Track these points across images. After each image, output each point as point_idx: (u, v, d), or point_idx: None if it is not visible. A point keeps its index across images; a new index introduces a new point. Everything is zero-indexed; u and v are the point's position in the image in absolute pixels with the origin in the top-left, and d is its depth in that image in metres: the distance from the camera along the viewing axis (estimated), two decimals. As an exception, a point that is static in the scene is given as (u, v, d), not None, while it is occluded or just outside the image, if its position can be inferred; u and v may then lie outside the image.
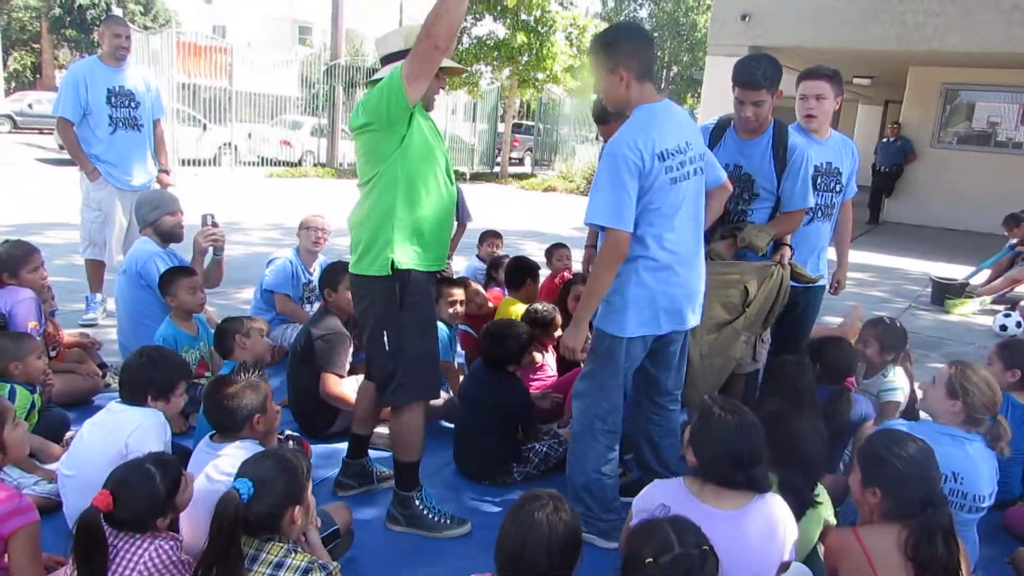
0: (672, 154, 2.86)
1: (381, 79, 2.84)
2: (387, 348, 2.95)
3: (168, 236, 4.46)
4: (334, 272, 4.11)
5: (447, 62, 2.90)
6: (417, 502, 3.13)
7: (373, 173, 2.89)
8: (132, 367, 2.88)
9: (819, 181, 3.84)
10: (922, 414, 3.79)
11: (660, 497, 2.29)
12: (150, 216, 4.45)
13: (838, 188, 3.93)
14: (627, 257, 2.89)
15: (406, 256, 2.89)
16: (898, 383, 3.86)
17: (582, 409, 3.11)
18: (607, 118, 3.55)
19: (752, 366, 3.76)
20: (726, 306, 3.39)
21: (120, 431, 2.68)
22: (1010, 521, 3.49)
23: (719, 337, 3.42)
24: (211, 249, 4.49)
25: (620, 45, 2.88)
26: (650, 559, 1.91)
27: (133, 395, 2.83)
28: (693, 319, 3.09)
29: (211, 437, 2.74)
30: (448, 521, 3.15)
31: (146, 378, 2.84)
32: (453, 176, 3.08)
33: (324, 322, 3.98)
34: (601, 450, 3.08)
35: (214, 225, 4.47)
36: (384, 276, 2.88)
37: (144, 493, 2.17)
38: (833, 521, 2.76)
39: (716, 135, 3.67)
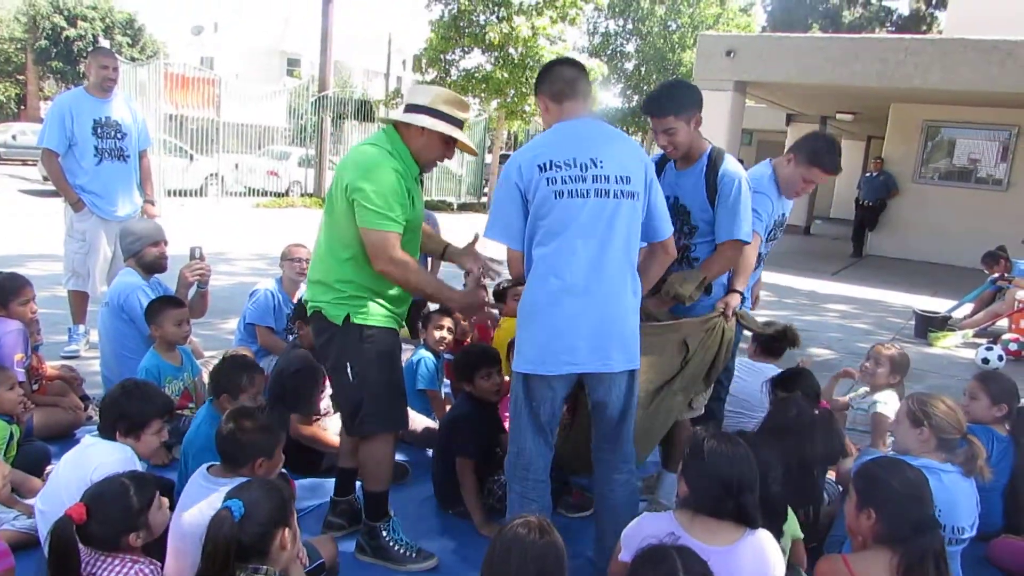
0: (559, 166, 2.69)
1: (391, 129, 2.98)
2: (351, 379, 2.95)
3: (151, 267, 4.43)
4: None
5: (458, 134, 2.97)
6: (384, 534, 3.11)
7: (336, 224, 2.95)
8: (108, 399, 2.86)
9: (774, 233, 3.83)
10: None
11: (649, 530, 2.28)
12: (133, 247, 4.41)
13: (780, 237, 3.94)
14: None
15: (360, 316, 2.93)
16: (888, 400, 3.98)
17: (508, 454, 2.93)
18: None
19: (690, 413, 3.51)
20: (661, 370, 3.13)
21: (86, 467, 2.62)
22: (994, 553, 3.49)
23: (655, 400, 3.21)
24: (196, 283, 4.48)
25: (538, 79, 2.93)
26: None
27: (105, 428, 2.80)
28: (605, 362, 2.73)
29: (208, 469, 2.70)
30: (414, 555, 3.12)
31: (117, 413, 2.79)
32: (419, 246, 3.14)
33: (292, 357, 3.93)
34: (514, 496, 2.85)
35: (201, 258, 4.44)
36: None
37: (117, 506, 2.19)
38: (800, 535, 2.77)
39: (658, 167, 3.45)
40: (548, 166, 2.70)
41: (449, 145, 3.01)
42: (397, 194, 2.83)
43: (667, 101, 3.24)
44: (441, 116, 2.93)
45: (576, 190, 2.68)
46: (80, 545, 2.17)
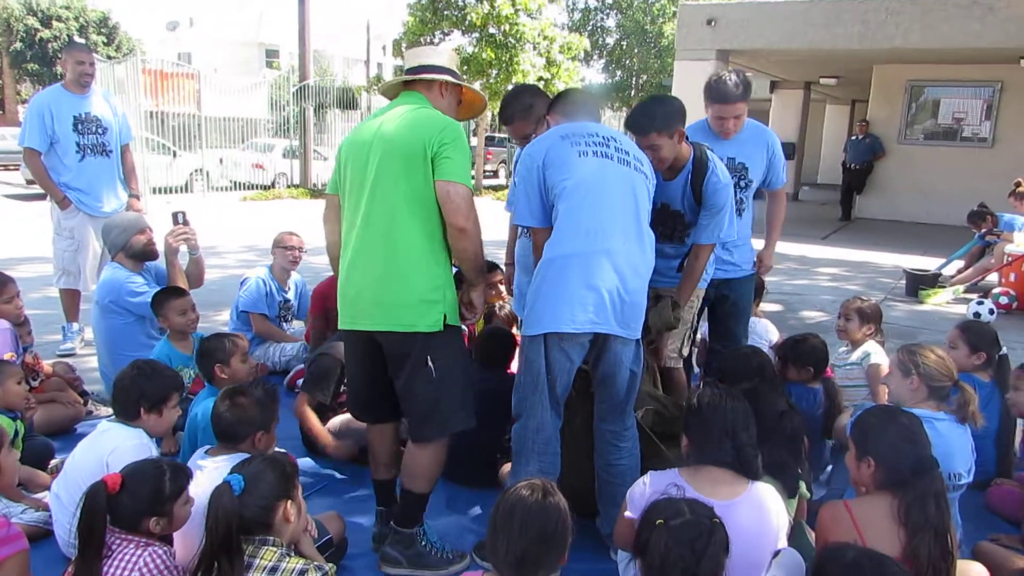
0: (578, 135, 2.84)
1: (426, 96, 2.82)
2: (433, 375, 2.70)
3: (142, 255, 4.40)
4: None
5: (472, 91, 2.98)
6: (422, 540, 2.92)
7: (425, 199, 2.64)
8: (124, 381, 2.87)
9: (738, 179, 3.86)
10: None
11: (655, 486, 2.33)
12: (119, 240, 4.37)
13: (743, 184, 3.91)
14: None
15: (452, 314, 2.75)
16: (874, 351, 4.08)
17: (517, 428, 2.90)
18: (510, 120, 3.75)
19: (677, 362, 3.78)
20: None
21: (102, 450, 2.68)
22: (992, 500, 3.55)
23: None
24: (185, 248, 4.45)
25: (554, 101, 3.26)
26: (661, 520, 1.99)
27: (126, 409, 2.82)
28: (627, 327, 2.79)
29: (207, 451, 2.73)
30: (451, 555, 2.96)
31: (138, 391, 2.83)
32: None
33: (334, 345, 3.91)
34: (532, 471, 2.78)
35: (185, 223, 4.41)
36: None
37: (150, 486, 2.23)
38: (807, 494, 2.86)
39: None
40: (568, 135, 2.86)
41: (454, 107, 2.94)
42: (469, 155, 2.71)
43: (650, 119, 3.23)
44: (459, 77, 2.89)
45: (600, 152, 2.84)
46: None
